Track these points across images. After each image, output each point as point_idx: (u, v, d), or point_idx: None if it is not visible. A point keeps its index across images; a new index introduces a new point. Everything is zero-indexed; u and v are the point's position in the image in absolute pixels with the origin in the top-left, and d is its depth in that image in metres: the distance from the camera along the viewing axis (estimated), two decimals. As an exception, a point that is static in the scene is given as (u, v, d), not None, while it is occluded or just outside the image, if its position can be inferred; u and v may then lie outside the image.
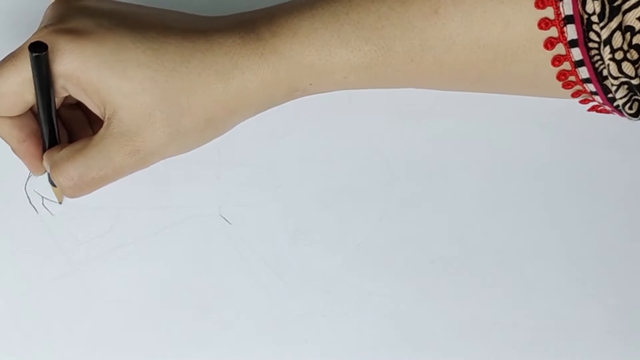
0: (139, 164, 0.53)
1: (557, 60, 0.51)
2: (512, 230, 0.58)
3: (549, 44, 0.51)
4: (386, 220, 0.58)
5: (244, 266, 0.57)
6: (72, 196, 0.54)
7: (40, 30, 0.52)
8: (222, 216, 0.58)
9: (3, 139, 0.54)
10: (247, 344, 0.56)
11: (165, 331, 0.56)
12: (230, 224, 0.58)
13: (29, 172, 0.58)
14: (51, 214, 0.58)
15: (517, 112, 0.60)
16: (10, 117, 0.53)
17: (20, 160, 0.57)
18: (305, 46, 0.52)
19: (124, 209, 0.58)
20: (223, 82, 0.52)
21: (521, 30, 0.51)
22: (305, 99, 0.59)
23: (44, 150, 0.55)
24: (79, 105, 0.56)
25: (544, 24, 0.51)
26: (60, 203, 0.58)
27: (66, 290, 0.57)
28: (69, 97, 0.54)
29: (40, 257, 0.57)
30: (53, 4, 0.53)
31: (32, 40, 0.50)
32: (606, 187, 0.58)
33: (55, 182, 0.54)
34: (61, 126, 0.55)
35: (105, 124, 0.52)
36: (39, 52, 0.49)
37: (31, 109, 0.54)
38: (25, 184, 0.59)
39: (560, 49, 0.51)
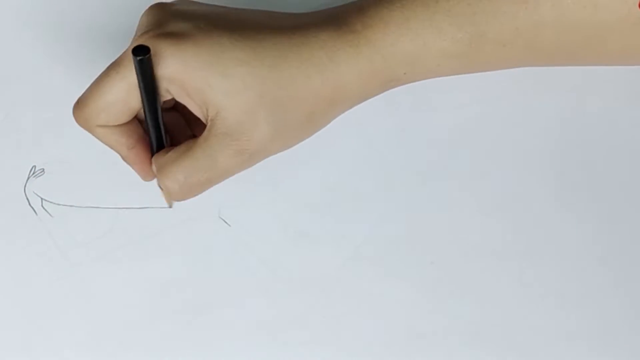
0: (245, 164, 0.53)
1: None
2: (512, 230, 0.58)
3: None
4: (386, 221, 0.58)
5: (244, 267, 0.57)
6: (179, 199, 0.54)
7: (139, 36, 0.52)
8: (221, 218, 0.58)
9: (112, 148, 0.54)
10: (247, 345, 0.56)
11: (165, 332, 0.56)
12: (229, 225, 0.58)
13: (28, 173, 0.58)
14: (50, 215, 0.58)
15: (517, 113, 0.60)
16: (118, 125, 0.53)
17: (19, 161, 0.57)
18: (398, 36, 0.53)
19: (123, 211, 0.58)
20: (321, 75, 0.53)
21: (611, 12, 0.52)
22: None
23: (152, 155, 0.55)
24: (176, 108, 0.56)
25: None
26: (170, 207, 0.58)
27: (65, 291, 0.57)
28: (166, 100, 0.54)
29: (40, 258, 0.57)
30: (148, 10, 0.54)
31: (134, 45, 0.50)
32: (607, 187, 0.59)
33: (161, 186, 0.54)
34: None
35: (208, 125, 0.52)
36: (142, 55, 0.49)
37: (136, 116, 0.54)
38: (25, 186, 0.59)
39: None
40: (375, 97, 0.58)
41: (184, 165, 0.53)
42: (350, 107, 0.55)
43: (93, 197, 0.58)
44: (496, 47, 0.53)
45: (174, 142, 0.55)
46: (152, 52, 0.50)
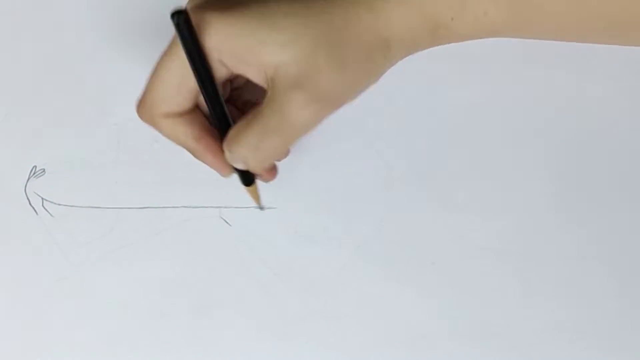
0: (317, 114, 0.51)
1: None
2: (512, 230, 0.58)
3: None
4: (386, 222, 0.58)
5: (244, 267, 0.57)
6: (257, 166, 0.52)
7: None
8: (222, 218, 0.58)
9: (180, 142, 0.53)
10: (247, 345, 0.56)
11: (165, 332, 0.56)
12: (230, 225, 0.58)
13: (28, 173, 0.58)
14: (51, 215, 0.58)
15: (516, 114, 0.60)
16: (182, 116, 0.52)
17: (20, 161, 0.57)
18: None
19: (124, 211, 0.58)
20: (371, 14, 0.52)
21: None
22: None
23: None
24: (230, 101, 0.55)
25: None
26: (261, 209, 0.58)
27: (66, 291, 0.57)
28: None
29: (40, 259, 0.57)
30: None
31: (172, 12, 0.49)
32: (607, 187, 0.58)
33: (237, 157, 0.52)
34: None
35: (270, 85, 0.51)
36: (178, 17, 0.48)
37: (198, 107, 0.53)
38: (25, 186, 0.59)
39: None
40: (375, 97, 0.58)
41: (254, 128, 0.51)
42: (405, 55, 0.54)
43: (94, 197, 0.59)
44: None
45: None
46: (198, 23, 0.49)
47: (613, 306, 0.56)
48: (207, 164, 0.54)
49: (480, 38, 0.55)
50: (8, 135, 0.60)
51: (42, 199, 0.58)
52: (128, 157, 0.59)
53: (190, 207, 0.58)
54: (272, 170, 0.56)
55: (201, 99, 0.52)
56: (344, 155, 0.59)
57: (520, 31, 0.55)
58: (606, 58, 0.59)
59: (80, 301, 0.57)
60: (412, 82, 0.59)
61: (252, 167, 0.52)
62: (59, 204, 0.58)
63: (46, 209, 0.58)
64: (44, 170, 0.59)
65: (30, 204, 0.58)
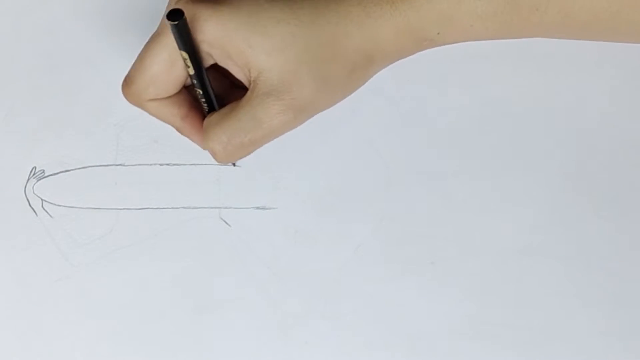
0: (290, 123, 0.53)
1: None
2: (512, 230, 0.58)
3: None
4: (386, 222, 0.58)
5: (244, 268, 0.57)
6: (223, 161, 0.54)
7: (176, 3, 0.52)
8: (221, 218, 0.58)
9: (165, 121, 0.54)
10: (247, 345, 0.56)
11: (165, 332, 0.56)
12: (229, 225, 0.58)
13: (28, 174, 0.58)
14: (50, 216, 0.58)
15: (516, 113, 0.60)
16: (168, 97, 0.53)
17: (20, 162, 0.57)
18: None
19: (124, 211, 0.58)
20: (360, 31, 0.53)
21: None
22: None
23: None
24: (220, 71, 0.56)
25: None
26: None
27: (65, 292, 0.57)
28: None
29: (40, 259, 0.57)
30: None
31: (168, 11, 0.50)
32: (607, 188, 0.58)
33: (206, 148, 0.54)
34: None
35: (251, 86, 0.52)
36: (177, 19, 0.49)
37: (185, 85, 0.54)
38: (25, 187, 0.59)
39: None
40: (375, 96, 0.59)
41: (226, 126, 0.52)
42: (387, 65, 0.55)
43: (93, 198, 0.59)
44: (530, 11, 0.53)
45: (224, 104, 0.55)
46: (189, 17, 0.50)
47: (614, 306, 0.56)
48: (191, 140, 0.55)
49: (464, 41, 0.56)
50: (8, 136, 0.60)
51: (42, 200, 0.58)
52: (128, 157, 0.59)
53: (190, 207, 0.58)
54: None
55: (188, 81, 0.53)
56: (344, 155, 0.59)
57: (506, 37, 0.55)
58: (610, 55, 0.59)
59: (80, 301, 0.57)
60: (412, 82, 0.59)
61: (219, 160, 0.54)
62: (59, 205, 0.58)
63: (46, 210, 0.58)
64: (43, 171, 0.59)
65: (29, 205, 0.58)
